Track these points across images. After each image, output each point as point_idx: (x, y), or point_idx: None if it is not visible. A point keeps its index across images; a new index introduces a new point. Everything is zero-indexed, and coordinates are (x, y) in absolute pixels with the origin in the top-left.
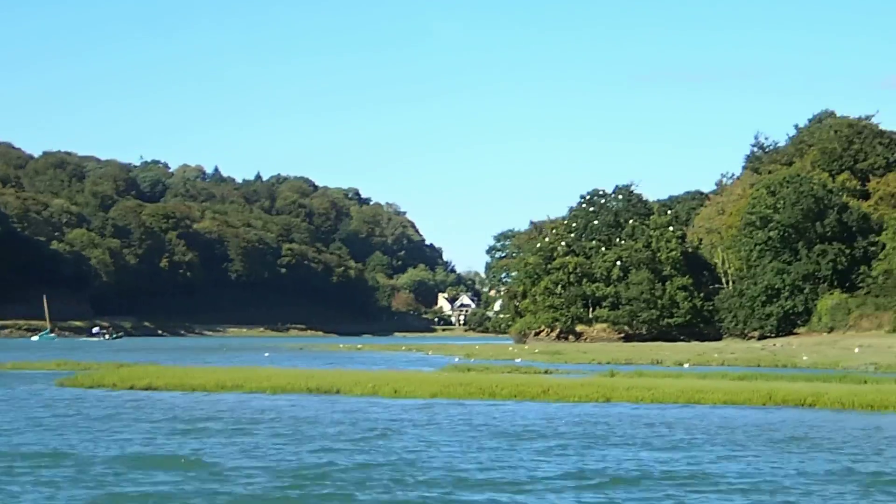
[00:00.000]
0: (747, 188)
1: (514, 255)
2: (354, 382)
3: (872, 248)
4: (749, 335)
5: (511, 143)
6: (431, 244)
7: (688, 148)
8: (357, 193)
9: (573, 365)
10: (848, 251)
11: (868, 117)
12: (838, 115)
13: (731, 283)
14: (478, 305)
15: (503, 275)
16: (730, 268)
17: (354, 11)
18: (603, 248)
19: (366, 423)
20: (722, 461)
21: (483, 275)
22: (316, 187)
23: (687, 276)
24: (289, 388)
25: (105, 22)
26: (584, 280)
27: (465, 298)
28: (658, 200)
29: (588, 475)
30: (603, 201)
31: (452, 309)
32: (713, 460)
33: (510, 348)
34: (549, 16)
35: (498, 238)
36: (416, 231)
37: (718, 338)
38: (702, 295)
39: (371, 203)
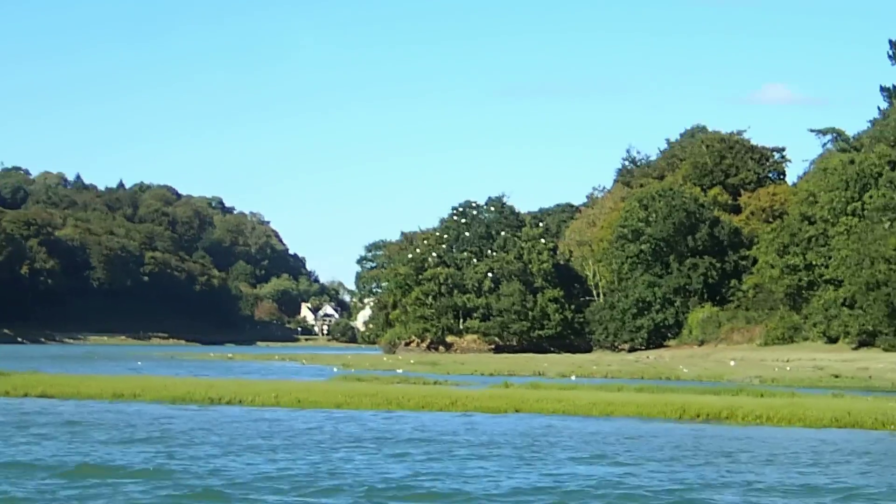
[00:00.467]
0: (619, 201)
1: (384, 265)
2: (256, 392)
3: (743, 262)
4: (619, 347)
5: (379, 156)
6: (295, 254)
7: (559, 161)
8: (221, 202)
9: (459, 376)
10: (719, 265)
11: (740, 132)
12: (710, 129)
13: (601, 296)
14: (341, 315)
15: (373, 285)
16: (601, 280)
17: (221, 21)
18: (474, 260)
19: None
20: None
21: (347, 285)
22: (179, 196)
23: (558, 289)
24: (189, 399)
25: None
26: (455, 291)
27: (328, 308)
28: (529, 212)
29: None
30: (475, 213)
31: (316, 319)
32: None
33: (385, 358)
34: (418, 30)
35: (369, 248)
36: (280, 241)
37: (589, 350)
38: (572, 307)
39: (235, 212)
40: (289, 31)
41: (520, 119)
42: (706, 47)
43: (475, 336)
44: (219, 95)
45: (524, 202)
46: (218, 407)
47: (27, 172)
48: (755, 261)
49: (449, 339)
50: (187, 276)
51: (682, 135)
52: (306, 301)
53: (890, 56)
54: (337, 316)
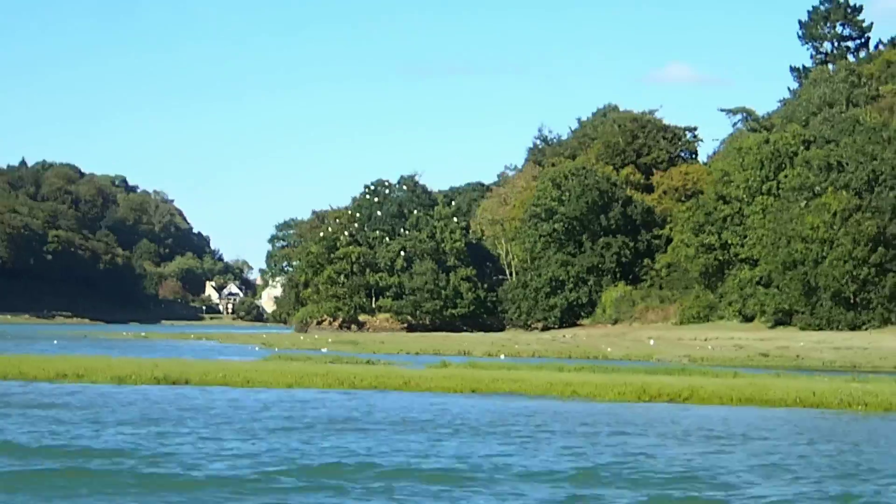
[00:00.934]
0: (530, 180)
1: (296, 244)
2: (203, 372)
3: (656, 242)
4: (532, 326)
5: (289, 136)
6: (199, 232)
7: (470, 139)
8: (124, 181)
9: (385, 355)
10: (632, 244)
11: (652, 112)
12: (621, 109)
13: (514, 275)
14: (246, 294)
15: (284, 264)
16: (513, 259)
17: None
18: (387, 239)
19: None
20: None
21: (252, 263)
22: (83, 174)
23: (471, 268)
24: (135, 379)
25: None
26: (368, 270)
27: (232, 287)
28: (441, 191)
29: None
30: (387, 191)
31: (220, 297)
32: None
33: (301, 338)
34: (326, 10)
35: (280, 227)
36: (185, 219)
37: (501, 328)
38: (485, 286)
39: (139, 191)
40: (196, 9)
41: (431, 98)
42: (611, 24)
43: (388, 315)
44: (122, 74)
45: (436, 181)
46: (172, 387)
47: None
48: (669, 240)
49: (361, 317)
50: (91, 255)
51: (593, 114)
52: (211, 280)
53: (800, 36)
54: (242, 295)
